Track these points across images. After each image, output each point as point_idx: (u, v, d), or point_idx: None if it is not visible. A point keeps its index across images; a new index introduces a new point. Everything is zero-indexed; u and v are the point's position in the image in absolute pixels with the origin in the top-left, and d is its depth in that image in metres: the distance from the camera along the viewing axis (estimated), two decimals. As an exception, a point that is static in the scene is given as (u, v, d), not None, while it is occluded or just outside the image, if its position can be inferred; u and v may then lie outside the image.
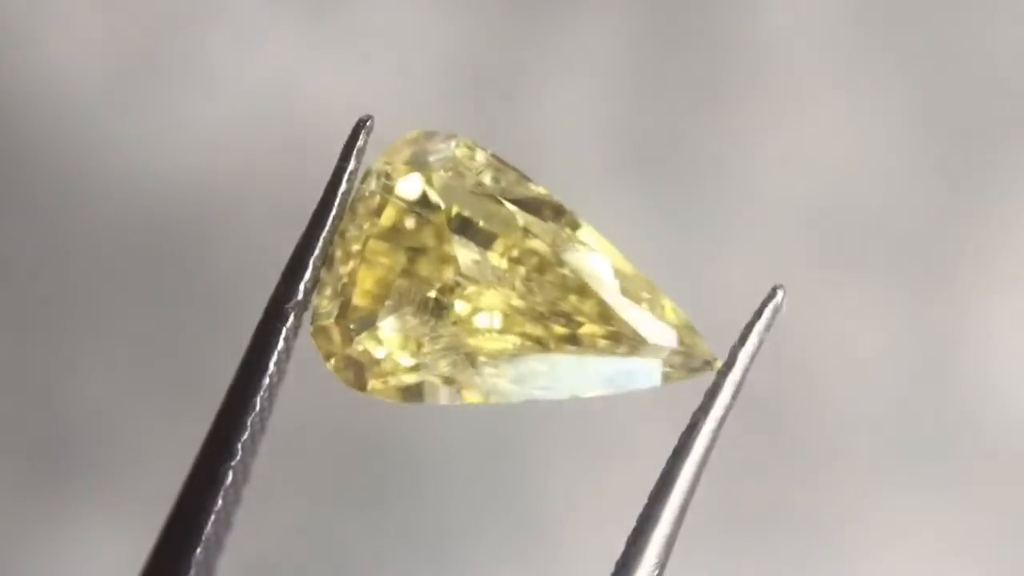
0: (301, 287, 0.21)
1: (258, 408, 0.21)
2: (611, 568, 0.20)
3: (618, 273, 0.21)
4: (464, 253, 0.21)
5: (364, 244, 0.21)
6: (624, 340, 0.21)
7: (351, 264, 0.21)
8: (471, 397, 0.21)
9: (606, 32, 0.46)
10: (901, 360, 0.45)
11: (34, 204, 0.44)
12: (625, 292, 0.21)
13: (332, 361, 0.21)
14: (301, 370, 0.21)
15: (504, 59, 0.46)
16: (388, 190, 0.21)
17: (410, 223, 0.21)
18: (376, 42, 0.46)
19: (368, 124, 0.21)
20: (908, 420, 0.44)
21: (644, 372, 0.21)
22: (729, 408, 0.21)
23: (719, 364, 0.21)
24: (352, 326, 0.21)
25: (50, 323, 0.44)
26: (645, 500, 0.20)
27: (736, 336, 0.21)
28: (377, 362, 0.21)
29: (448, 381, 0.21)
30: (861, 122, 0.46)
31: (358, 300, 0.21)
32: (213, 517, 0.20)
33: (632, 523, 0.20)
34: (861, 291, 0.45)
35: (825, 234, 0.45)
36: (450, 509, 0.44)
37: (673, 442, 0.20)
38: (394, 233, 0.21)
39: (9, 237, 0.44)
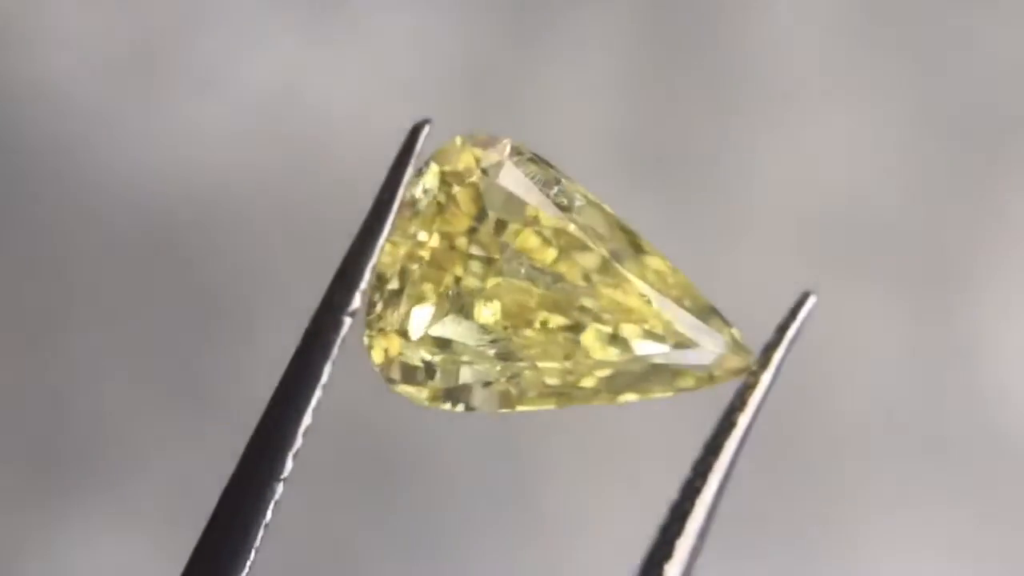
0: (357, 295, 0.20)
1: (311, 421, 0.20)
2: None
3: (661, 275, 0.21)
4: (512, 259, 0.20)
5: (411, 250, 0.21)
6: (669, 342, 0.21)
7: (399, 270, 0.21)
8: (520, 404, 0.21)
9: (609, 34, 0.46)
10: (907, 363, 0.45)
11: (35, 206, 0.44)
12: (669, 294, 0.21)
13: (381, 367, 0.21)
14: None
15: (507, 62, 0.46)
16: (435, 195, 0.21)
17: (463, 230, 0.21)
18: (378, 44, 0.45)
19: (426, 128, 0.20)
20: (914, 422, 0.45)
21: (688, 374, 0.21)
22: (759, 410, 0.21)
23: (756, 364, 0.21)
24: (400, 332, 0.21)
25: (53, 324, 0.44)
26: (676, 495, 0.20)
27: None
28: (426, 369, 0.21)
29: (497, 387, 0.21)
30: (864, 123, 0.46)
31: (406, 306, 0.21)
32: (262, 532, 0.20)
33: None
34: (865, 293, 0.45)
35: (828, 236, 0.45)
36: (455, 511, 0.43)
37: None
38: (446, 239, 0.21)
39: (10, 239, 0.44)
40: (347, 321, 0.20)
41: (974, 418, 0.45)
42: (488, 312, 0.20)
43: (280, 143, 0.44)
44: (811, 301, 0.21)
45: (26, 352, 0.43)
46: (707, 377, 0.21)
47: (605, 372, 0.21)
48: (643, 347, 0.21)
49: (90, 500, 0.43)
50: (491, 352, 0.21)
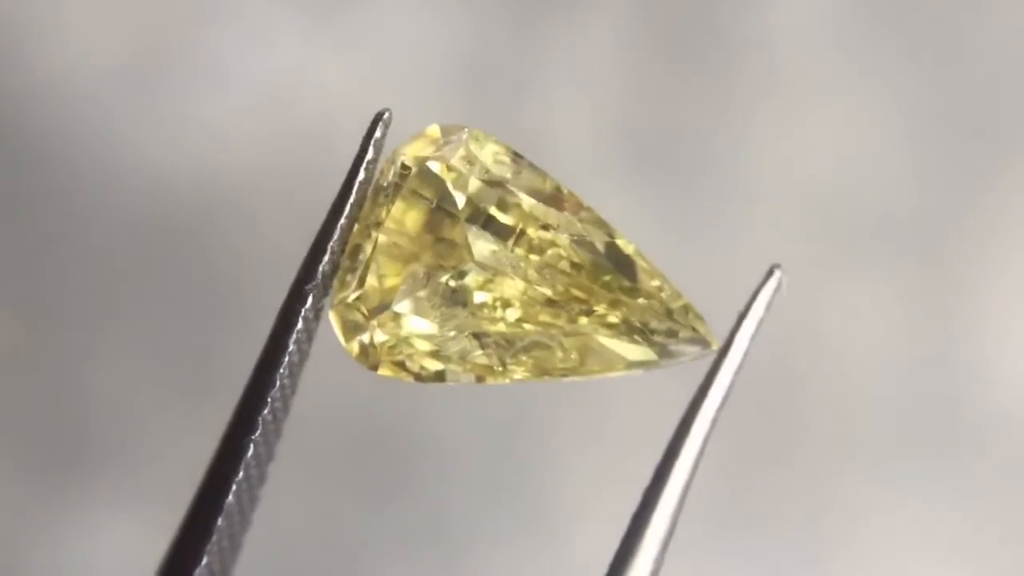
0: (320, 270, 0.22)
1: (278, 384, 0.22)
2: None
3: (626, 260, 0.22)
4: (479, 242, 0.22)
5: (382, 232, 0.22)
6: (633, 324, 0.22)
7: (369, 251, 0.22)
8: (486, 380, 0.22)
9: (608, 30, 0.47)
10: (903, 352, 0.45)
11: (47, 197, 0.45)
12: (633, 278, 0.22)
13: (350, 344, 0.22)
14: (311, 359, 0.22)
15: (507, 57, 0.46)
16: (405, 180, 0.22)
17: (426, 213, 0.22)
18: (382, 40, 0.46)
19: (386, 117, 0.22)
20: (910, 411, 0.44)
21: (651, 354, 0.22)
22: (729, 389, 0.21)
23: (717, 346, 0.21)
24: (369, 310, 0.22)
25: (64, 312, 0.45)
26: (649, 481, 0.21)
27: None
28: (394, 345, 0.22)
29: (463, 364, 0.22)
30: (860, 116, 0.46)
31: (375, 285, 0.22)
32: (235, 487, 0.22)
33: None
34: (863, 283, 0.45)
35: (826, 228, 0.45)
36: (457, 495, 0.44)
37: None
38: (410, 222, 0.22)
39: (23, 229, 0.45)
40: (310, 293, 0.22)
41: (974, 411, 0.44)
42: (454, 293, 0.22)
43: (288, 137, 0.45)
44: (776, 275, 0.21)
45: (39, 340, 0.44)
46: (670, 356, 0.22)
47: (572, 352, 0.22)
48: (608, 329, 0.22)
49: (103, 486, 0.44)
50: (453, 331, 0.22)
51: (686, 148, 0.46)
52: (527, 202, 0.22)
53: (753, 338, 0.21)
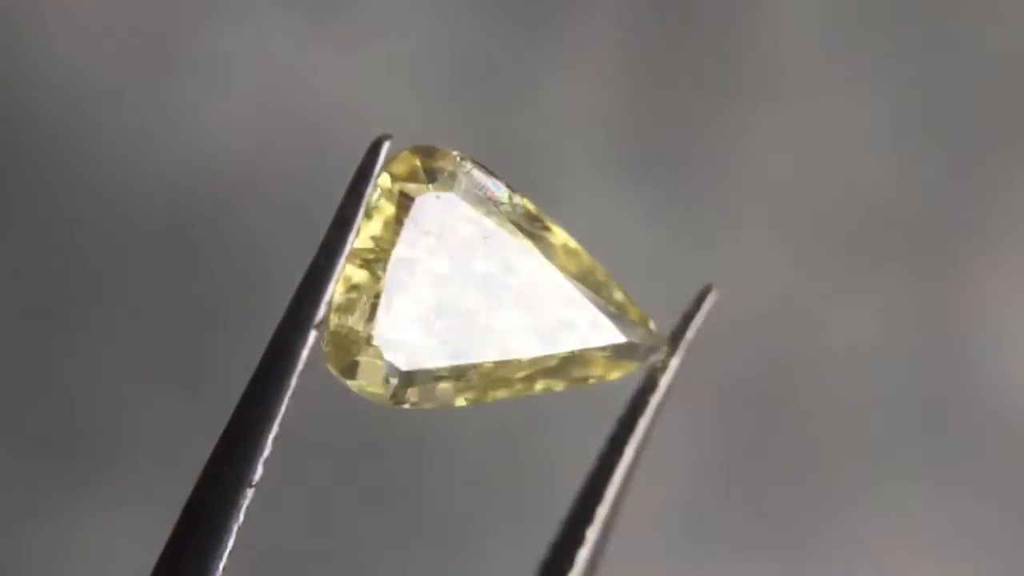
0: (323, 307, 0.21)
1: (278, 431, 0.21)
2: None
3: (581, 269, 0.22)
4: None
5: (369, 256, 0.21)
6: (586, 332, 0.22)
7: (353, 276, 0.21)
8: (464, 400, 0.22)
9: (607, 30, 0.47)
10: (901, 351, 0.45)
11: (44, 198, 0.45)
12: (587, 285, 0.22)
13: (337, 370, 0.22)
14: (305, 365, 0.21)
15: (507, 56, 0.46)
16: (389, 203, 0.21)
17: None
18: (382, 40, 0.46)
19: (386, 145, 0.21)
20: (908, 411, 0.45)
21: (602, 362, 0.22)
22: (668, 391, 0.22)
23: (666, 351, 0.22)
24: (354, 336, 0.21)
25: (62, 314, 0.44)
26: (594, 466, 0.23)
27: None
28: (377, 369, 0.21)
29: (443, 384, 0.22)
30: (860, 115, 0.47)
31: (359, 310, 0.21)
32: (234, 537, 0.21)
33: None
34: (861, 283, 0.46)
35: (825, 227, 0.46)
36: (458, 496, 0.44)
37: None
38: (390, 246, 0.21)
39: (20, 230, 0.45)
40: (313, 333, 0.21)
41: (974, 410, 0.45)
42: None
43: (288, 137, 0.45)
44: (712, 296, 0.23)
45: (37, 342, 0.44)
46: (629, 365, 0.22)
47: (532, 366, 0.22)
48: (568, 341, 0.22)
49: (100, 489, 0.44)
50: (442, 354, 0.21)
51: (684, 150, 0.46)
52: (501, 224, 0.22)
53: (687, 354, 0.23)
